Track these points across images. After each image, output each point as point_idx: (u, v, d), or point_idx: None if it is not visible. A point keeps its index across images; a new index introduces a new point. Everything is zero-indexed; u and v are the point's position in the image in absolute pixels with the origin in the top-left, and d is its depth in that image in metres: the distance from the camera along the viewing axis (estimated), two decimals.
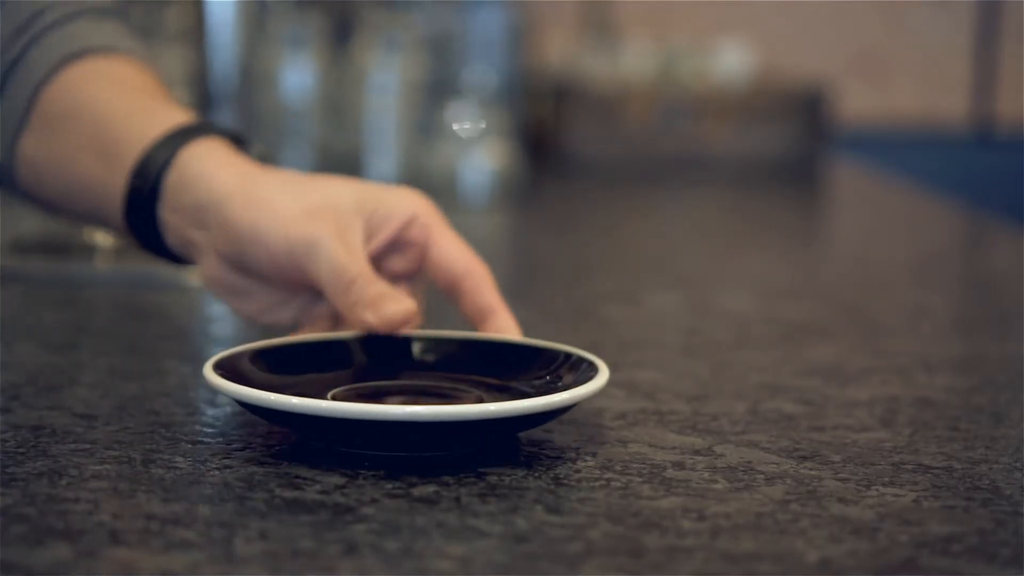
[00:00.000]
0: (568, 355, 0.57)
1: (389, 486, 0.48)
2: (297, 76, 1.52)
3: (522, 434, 0.54)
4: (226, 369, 0.54)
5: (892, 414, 0.60)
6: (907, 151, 2.35)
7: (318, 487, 0.48)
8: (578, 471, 0.51)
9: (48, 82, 0.68)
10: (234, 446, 0.53)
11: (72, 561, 0.40)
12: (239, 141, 0.67)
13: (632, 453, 0.53)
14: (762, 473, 0.51)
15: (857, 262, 1.17)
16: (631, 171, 1.78)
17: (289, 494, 0.47)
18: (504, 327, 0.62)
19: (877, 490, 0.49)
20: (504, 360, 0.59)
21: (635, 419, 0.58)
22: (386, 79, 1.49)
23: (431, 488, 0.48)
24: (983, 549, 0.44)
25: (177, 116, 0.66)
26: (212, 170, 0.63)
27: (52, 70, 0.69)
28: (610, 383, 0.55)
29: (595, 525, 0.45)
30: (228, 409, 0.58)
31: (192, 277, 0.90)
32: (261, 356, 0.57)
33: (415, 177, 1.45)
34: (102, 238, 0.98)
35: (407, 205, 0.63)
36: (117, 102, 0.68)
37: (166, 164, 0.64)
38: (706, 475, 0.50)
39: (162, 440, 0.53)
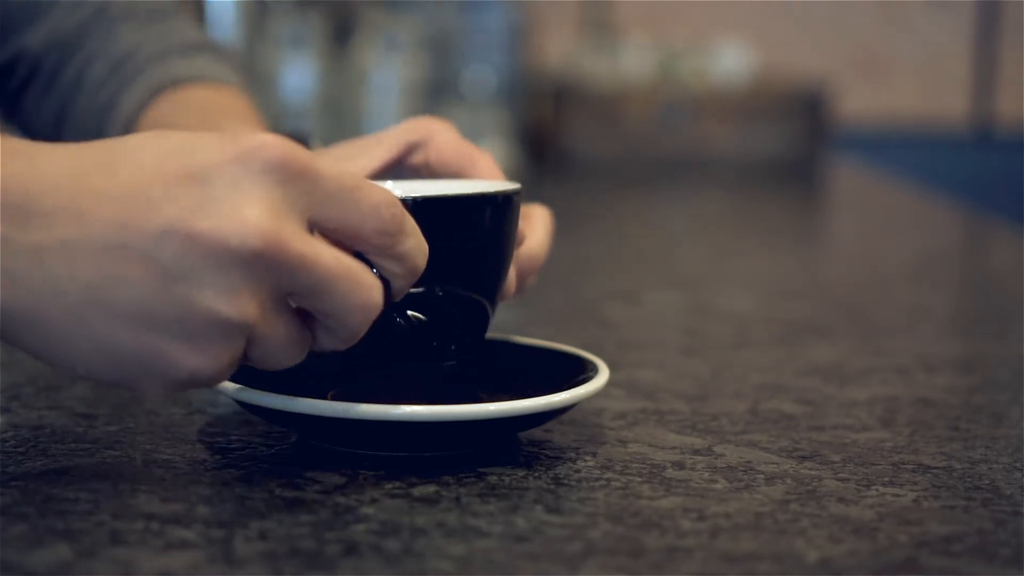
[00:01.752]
0: (568, 355, 0.57)
1: (389, 486, 0.48)
2: (297, 76, 1.52)
3: (522, 434, 0.54)
4: None
5: (892, 414, 0.60)
6: (907, 151, 2.35)
7: (318, 487, 0.48)
8: (578, 471, 0.51)
9: (138, 118, 0.69)
10: (234, 446, 0.53)
11: (72, 561, 0.40)
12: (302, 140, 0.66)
13: (632, 453, 0.53)
14: (762, 473, 0.51)
15: (857, 262, 1.17)
16: (631, 171, 1.78)
17: (289, 494, 0.47)
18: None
19: (877, 490, 0.49)
20: (504, 360, 0.59)
21: (635, 419, 0.58)
22: (386, 79, 1.49)
23: (431, 488, 0.48)
24: (983, 549, 0.44)
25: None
26: None
27: (141, 105, 0.69)
28: (610, 383, 0.55)
29: (595, 525, 0.45)
30: (228, 409, 0.58)
31: None
32: None
33: None
34: None
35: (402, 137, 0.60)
36: (202, 126, 0.66)
37: None
38: (706, 475, 0.50)
39: (162, 440, 0.53)
